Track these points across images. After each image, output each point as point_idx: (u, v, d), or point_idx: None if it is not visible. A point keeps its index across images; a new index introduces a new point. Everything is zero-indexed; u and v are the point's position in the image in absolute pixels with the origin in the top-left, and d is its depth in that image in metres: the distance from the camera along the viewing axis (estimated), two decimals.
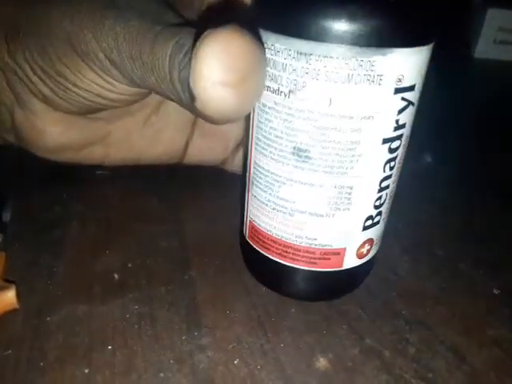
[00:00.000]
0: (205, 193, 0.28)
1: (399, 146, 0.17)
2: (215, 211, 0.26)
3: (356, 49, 0.14)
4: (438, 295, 0.21)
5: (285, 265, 0.19)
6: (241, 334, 0.18)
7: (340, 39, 0.14)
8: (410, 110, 0.16)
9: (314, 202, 0.17)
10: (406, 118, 0.16)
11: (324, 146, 0.16)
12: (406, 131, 0.17)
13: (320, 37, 0.14)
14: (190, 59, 0.14)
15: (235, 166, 0.28)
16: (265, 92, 0.16)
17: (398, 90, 0.15)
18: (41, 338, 0.17)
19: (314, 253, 0.18)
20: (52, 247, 0.22)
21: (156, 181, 0.27)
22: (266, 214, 0.18)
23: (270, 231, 0.18)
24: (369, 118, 0.15)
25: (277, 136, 0.17)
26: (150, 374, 0.16)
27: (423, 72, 0.16)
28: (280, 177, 0.17)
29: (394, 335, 0.19)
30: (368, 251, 0.19)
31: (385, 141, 0.16)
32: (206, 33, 0.14)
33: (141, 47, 0.17)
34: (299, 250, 0.18)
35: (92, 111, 0.23)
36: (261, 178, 0.18)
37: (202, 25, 0.15)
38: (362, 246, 0.19)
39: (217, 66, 0.13)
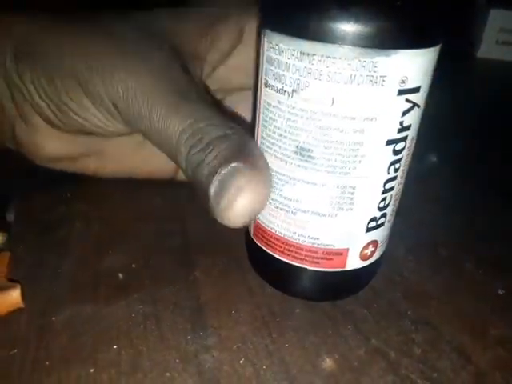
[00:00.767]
0: None
1: (404, 147, 0.17)
2: None
3: (358, 49, 0.14)
4: (442, 295, 0.21)
5: (288, 263, 0.19)
6: (246, 334, 0.18)
7: (342, 40, 0.14)
8: (416, 112, 0.16)
9: (316, 202, 0.17)
10: (411, 119, 0.16)
11: (326, 145, 0.16)
12: (411, 133, 0.17)
13: (322, 37, 0.14)
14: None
15: None
16: (269, 91, 0.16)
17: (401, 92, 0.15)
18: (46, 338, 0.17)
19: (316, 252, 0.18)
20: (56, 247, 0.22)
21: (159, 180, 0.27)
22: (270, 212, 0.18)
23: (274, 229, 0.18)
24: (371, 119, 0.15)
25: (280, 135, 0.17)
26: (156, 374, 0.16)
27: (429, 73, 0.16)
28: (283, 175, 0.17)
29: (399, 336, 0.19)
30: (372, 253, 0.19)
31: (389, 142, 0.16)
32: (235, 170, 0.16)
33: (151, 109, 0.18)
34: (302, 249, 0.18)
35: (91, 133, 0.23)
36: None
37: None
38: (366, 247, 0.18)
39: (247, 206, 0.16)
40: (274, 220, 0.18)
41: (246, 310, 0.19)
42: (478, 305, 0.21)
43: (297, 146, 0.16)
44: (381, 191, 0.17)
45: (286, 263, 0.19)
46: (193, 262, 0.22)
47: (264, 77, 0.17)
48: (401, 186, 0.18)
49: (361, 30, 0.14)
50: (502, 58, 0.65)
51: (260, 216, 0.19)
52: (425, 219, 0.26)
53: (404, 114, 0.16)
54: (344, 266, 0.18)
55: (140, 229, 0.24)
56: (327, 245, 0.18)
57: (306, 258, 0.18)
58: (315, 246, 0.18)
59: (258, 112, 0.18)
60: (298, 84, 0.15)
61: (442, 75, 0.18)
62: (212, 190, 0.16)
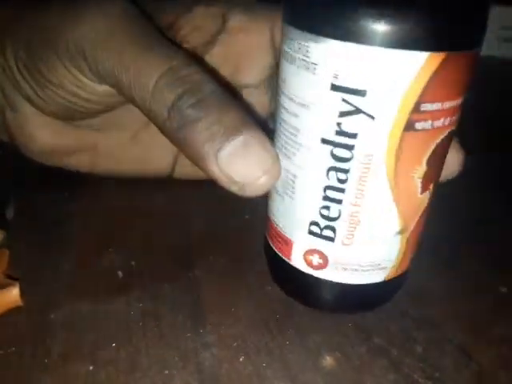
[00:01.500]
0: (209, 189, 0.27)
1: (350, 158, 0.15)
2: (220, 208, 0.26)
3: (297, 31, 0.15)
4: (444, 294, 0.21)
5: (266, 237, 0.20)
6: (245, 332, 0.18)
7: (292, 22, 0.15)
8: (365, 121, 0.14)
9: None
10: (357, 127, 0.15)
11: (280, 121, 0.17)
12: (359, 145, 0.15)
13: (285, 19, 0.16)
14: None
15: None
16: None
17: (336, 88, 0.14)
18: (45, 335, 0.17)
19: (275, 229, 0.19)
20: (55, 245, 0.22)
21: (158, 179, 0.27)
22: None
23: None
24: (303, 105, 0.15)
25: None
26: (155, 372, 0.16)
27: (385, 83, 0.14)
28: None
29: (401, 334, 0.18)
30: (320, 265, 0.17)
31: (324, 141, 0.15)
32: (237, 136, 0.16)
33: (122, 50, 0.18)
34: (272, 228, 0.19)
35: (76, 116, 0.23)
36: None
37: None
38: (310, 253, 0.17)
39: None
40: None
41: (245, 308, 0.19)
42: (479, 303, 0.20)
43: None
44: (321, 196, 0.16)
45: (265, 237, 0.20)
46: (192, 261, 0.22)
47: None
48: (361, 211, 0.16)
49: (298, 12, 0.15)
50: (503, 55, 0.65)
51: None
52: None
53: (342, 115, 0.15)
54: (289, 258, 0.18)
55: (139, 227, 0.24)
56: (277, 225, 0.18)
57: (274, 234, 0.19)
58: (274, 223, 0.19)
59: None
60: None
61: None
62: (223, 154, 0.16)
